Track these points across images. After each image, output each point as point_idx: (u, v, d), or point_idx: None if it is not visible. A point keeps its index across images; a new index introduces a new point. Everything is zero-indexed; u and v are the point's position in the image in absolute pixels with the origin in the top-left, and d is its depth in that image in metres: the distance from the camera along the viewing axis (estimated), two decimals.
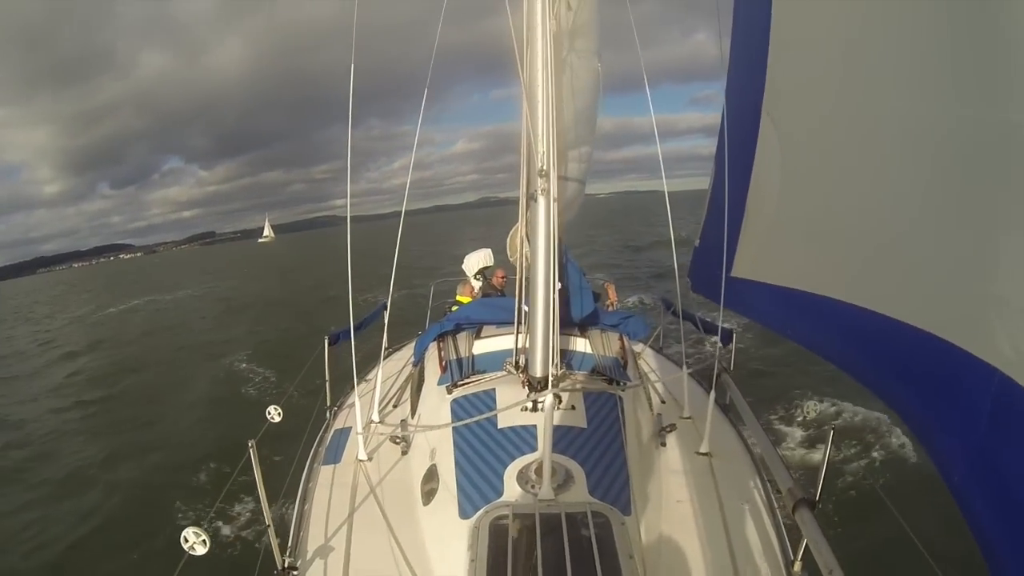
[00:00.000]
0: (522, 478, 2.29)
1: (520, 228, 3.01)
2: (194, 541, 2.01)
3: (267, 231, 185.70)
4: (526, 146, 2.69)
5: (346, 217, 3.36)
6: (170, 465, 6.90)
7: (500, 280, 5.57)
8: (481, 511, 2.20)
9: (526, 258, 2.91)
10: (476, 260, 5.57)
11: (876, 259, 2.83)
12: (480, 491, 2.30)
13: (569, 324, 3.50)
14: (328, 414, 3.96)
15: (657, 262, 18.98)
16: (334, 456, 3.26)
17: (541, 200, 2.55)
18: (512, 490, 2.26)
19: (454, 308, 5.11)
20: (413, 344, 4.59)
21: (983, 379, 2.00)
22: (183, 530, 2.01)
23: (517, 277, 3.14)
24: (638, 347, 4.14)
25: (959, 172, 2.23)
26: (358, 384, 4.39)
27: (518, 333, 3.04)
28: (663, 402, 3.56)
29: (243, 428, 2.82)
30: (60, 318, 29.26)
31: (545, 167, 2.52)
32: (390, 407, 3.76)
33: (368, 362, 4.72)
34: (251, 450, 2.29)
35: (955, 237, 2.35)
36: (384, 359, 4.42)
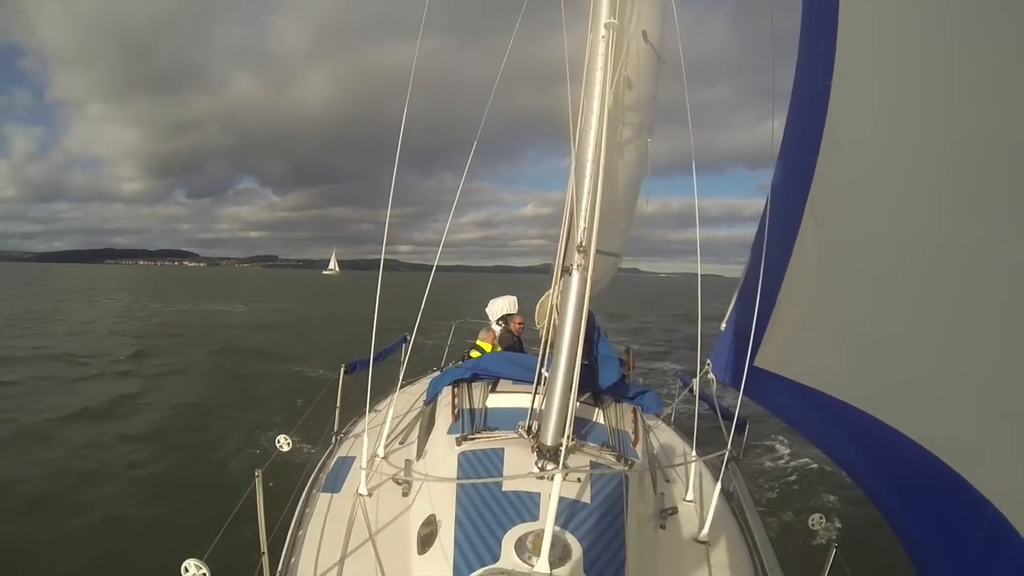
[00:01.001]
0: (520, 547, 2.27)
1: (552, 296, 3.01)
2: (195, 572, 2.04)
3: (332, 264, 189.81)
4: (568, 218, 2.72)
5: (397, 260, 3.43)
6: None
7: (518, 327, 5.59)
8: (476, 574, 2.18)
9: (553, 325, 2.91)
10: (500, 306, 5.64)
11: (894, 371, 2.77)
12: (477, 553, 2.29)
13: (585, 390, 3.46)
14: (334, 439, 4.00)
15: (692, 339, 19.54)
16: (334, 485, 3.26)
17: (576, 275, 2.56)
18: (509, 557, 2.24)
19: (474, 353, 5.16)
20: (427, 381, 4.57)
21: (977, 509, 1.96)
22: (184, 560, 2.05)
23: (541, 342, 3.14)
24: (650, 420, 4.07)
25: (984, 299, 2.20)
26: (368, 415, 4.40)
27: (535, 395, 3.02)
28: (667, 480, 3.49)
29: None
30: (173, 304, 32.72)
31: (584, 244, 2.54)
32: (396, 443, 3.76)
33: (378, 394, 4.73)
34: (257, 480, 2.30)
35: (974, 359, 2.29)
36: (398, 392, 4.53)
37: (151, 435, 8.37)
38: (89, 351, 16.24)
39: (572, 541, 2.29)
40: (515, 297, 5.78)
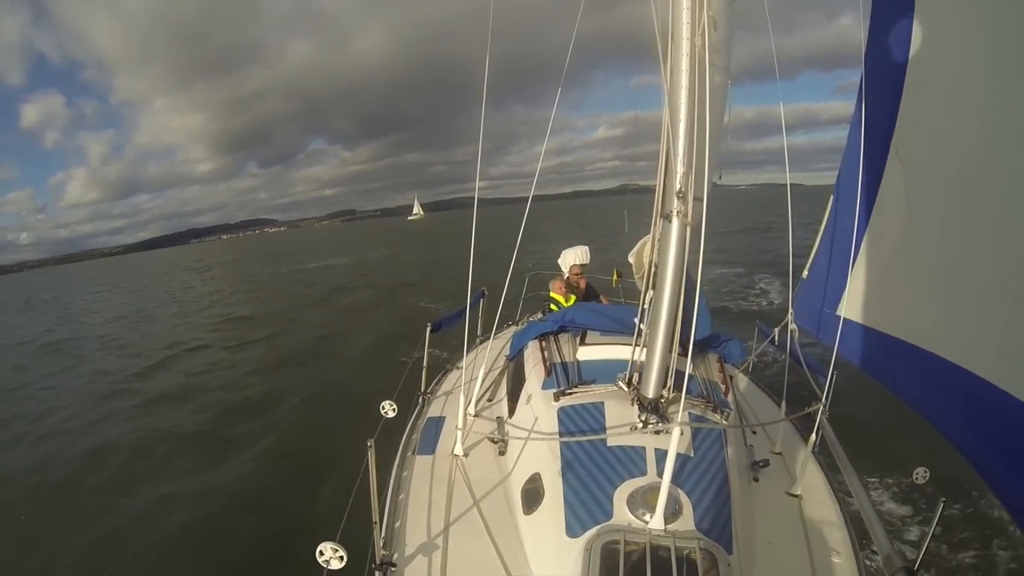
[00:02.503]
0: (632, 503, 2.22)
1: (652, 244, 2.99)
2: (330, 556, 2.00)
3: (416, 209, 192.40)
4: (663, 162, 2.67)
5: (474, 203, 3.27)
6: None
7: (576, 277, 5.58)
8: (592, 532, 2.14)
9: (652, 275, 2.87)
10: (572, 256, 5.60)
11: (992, 323, 2.58)
12: (589, 511, 2.23)
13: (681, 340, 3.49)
14: (421, 400, 3.98)
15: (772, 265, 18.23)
16: (429, 446, 3.22)
17: (676, 222, 2.54)
18: (622, 514, 2.19)
19: (552, 307, 5.22)
20: (505, 335, 4.55)
21: None
22: (320, 544, 1.99)
23: (642, 293, 3.14)
24: (731, 371, 3.97)
25: None
26: (451, 372, 4.50)
27: (636, 347, 2.99)
28: (753, 432, 3.45)
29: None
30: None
31: (684, 189, 2.51)
32: (484, 401, 3.70)
33: (457, 350, 4.84)
34: (370, 450, 2.32)
35: None
36: (477, 348, 4.41)
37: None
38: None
39: (682, 496, 2.26)
40: (587, 247, 5.71)
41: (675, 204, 2.54)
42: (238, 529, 5.49)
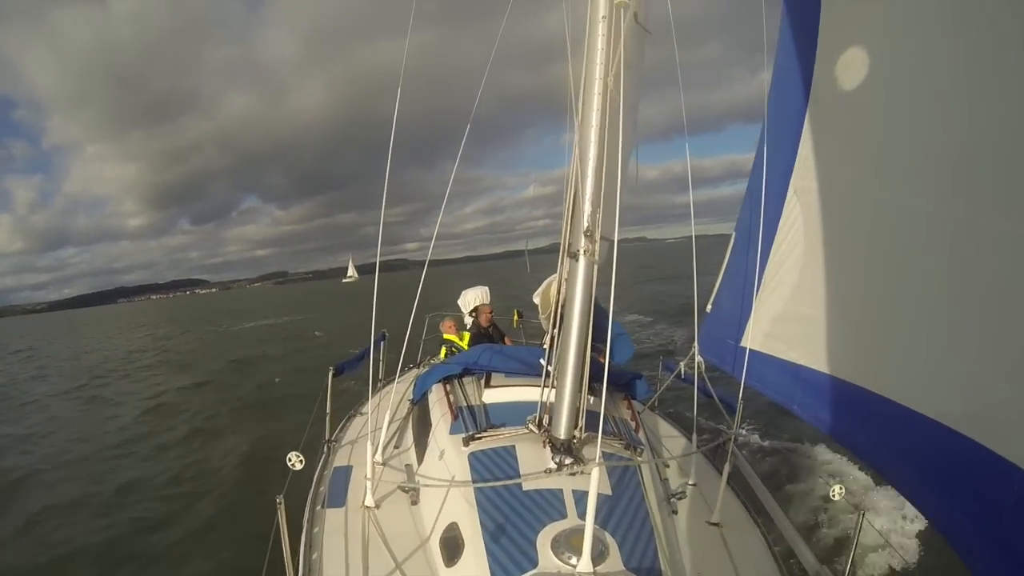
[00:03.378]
0: (556, 547, 2.18)
1: (558, 283, 2.96)
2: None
3: (351, 271, 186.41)
4: (570, 202, 2.68)
5: (377, 252, 3.37)
6: None
7: (487, 318, 5.57)
8: None
9: (558, 315, 2.84)
10: (473, 296, 5.60)
11: (894, 346, 2.80)
12: (513, 559, 2.18)
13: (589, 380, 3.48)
14: (327, 448, 3.84)
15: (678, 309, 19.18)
16: (339, 498, 3.12)
17: (583, 260, 2.55)
18: (547, 560, 2.14)
19: (444, 350, 5.19)
20: (407, 378, 4.36)
21: (1005, 476, 1.99)
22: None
23: (548, 333, 3.09)
24: (638, 407, 3.99)
25: (978, 272, 2.20)
26: (355, 418, 4.29)
27: (545, 388, 2.94)
28: (666, 466, 3.48)
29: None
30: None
31: (591, 228, 2.53)
32: (392, 448, 3.59)
33: (356, 396, 4.72)
34: (279, 507, 2.20)
35: (976, 332, 2.30)
36: (377, 393, 4.24)
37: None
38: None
39: (607, 537, 2.23)
40: (487, 287, 5.76)
41: (582, 242, 2.55)
42: None
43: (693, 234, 3.34)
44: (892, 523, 5.20)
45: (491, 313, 5.61)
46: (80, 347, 34.27)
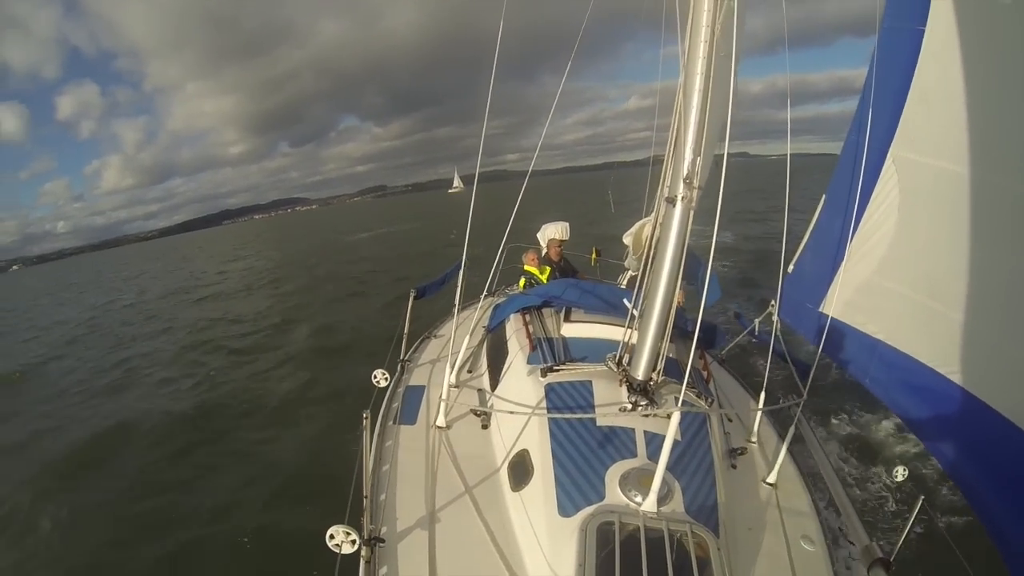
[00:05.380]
0: (624, 484, 2.20)
1: (653, 225, 2.98)
2: (341, 539, 1.98)
3: (456, 182, 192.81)
4: (672, 146, 2.69)
5: (474, 180, 3.22)
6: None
7: (557, 252, 5.54)
8: (585, 513, 2.12)
9: (650, 258, 2.86)
10: (553, 231, 5.56)
11: (978, 337, 2.69)
12: (581, 491, 2.21)
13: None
14: (399, 367, 3.90)
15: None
16: (411, 416, 3.17)
17: (679, 206, 2.56)
18: (614, 495, 2.17)
19: (524, 281, 5.17)
20: (481, 304, 4.40)
21: None
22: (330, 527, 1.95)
23: (639, 275, 3.13)
24: (709, 357, 3.97)
25: None
26: (429, 341, 4.42)
27: (628, 328, 2.96)
28: (729, 420, 3.50)
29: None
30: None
31: (690, 175, 2.54)
32: (464, 372, 3.62)
33: (432, 318, 4.80)
34: (365, 420, 2.28)
35: None
36: (456, 317, 4.30)
37: None
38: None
39: (671, 480, 2.25)
40: (567, 224, 5.65)
41: (681, 189, 2.55)
42: None
43: (788, 165, 3.15)
44: (949, 518, 5.03)
45: (561, 248, 5.59)
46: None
